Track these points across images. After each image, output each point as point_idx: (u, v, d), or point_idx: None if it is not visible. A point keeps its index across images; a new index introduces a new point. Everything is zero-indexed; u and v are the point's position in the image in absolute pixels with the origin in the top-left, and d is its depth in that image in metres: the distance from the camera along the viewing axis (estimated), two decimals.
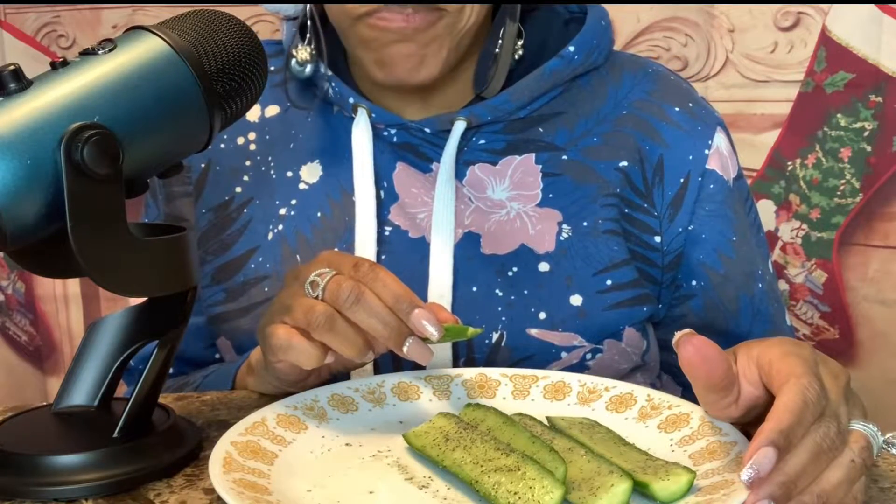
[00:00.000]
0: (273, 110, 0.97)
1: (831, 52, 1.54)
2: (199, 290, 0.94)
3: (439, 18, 0.85)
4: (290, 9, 0.95)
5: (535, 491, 0.57)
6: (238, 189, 0.95)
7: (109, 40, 0.66)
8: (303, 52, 0.93)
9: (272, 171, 0.94)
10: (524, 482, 0.58)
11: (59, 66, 0.64)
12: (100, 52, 0.65)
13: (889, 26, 1.51)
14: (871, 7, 1.51)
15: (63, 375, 0.73)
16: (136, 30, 0.67)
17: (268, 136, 0.96)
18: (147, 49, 0.66)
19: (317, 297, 0.69)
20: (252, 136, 0.96)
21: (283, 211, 0.92)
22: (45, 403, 0.75)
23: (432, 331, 0.68)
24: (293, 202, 0.93)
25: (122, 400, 0.72)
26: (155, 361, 0.69)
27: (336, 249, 0.90)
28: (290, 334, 0.69)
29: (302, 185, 0.93)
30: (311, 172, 0.93)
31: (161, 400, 0.72)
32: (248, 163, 0.96)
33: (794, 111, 1.58)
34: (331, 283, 0.68)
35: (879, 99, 1.53)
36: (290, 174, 0.94)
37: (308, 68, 0.93)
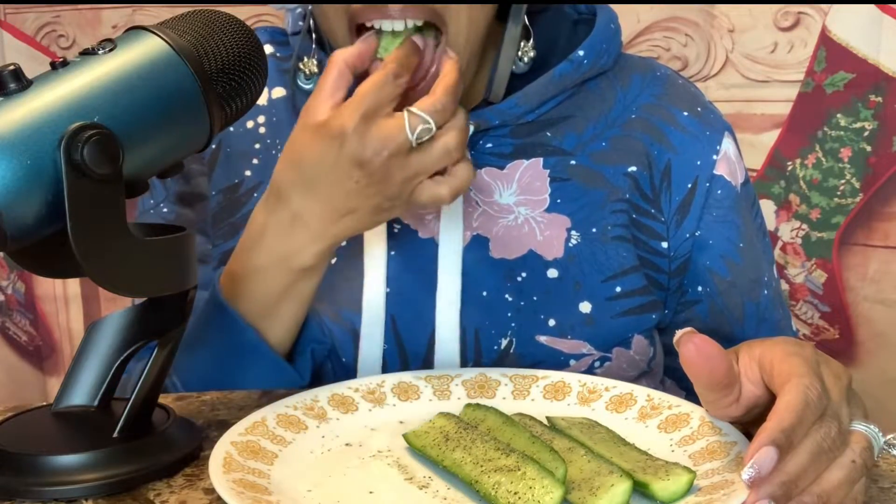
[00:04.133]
0: (279, 92, 0.98)
1: (831, 52, 1.54)
2: (210, 272, 0.94)
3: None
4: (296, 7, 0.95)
5: (535, 491, 0.57)
6: (248, 172, 0.95)
7: (109, 40, 0.66)
8: (311, 66, 0.92)
9: (279, 153, 0.94)
10: (524, 482, 0.58)
11: (59, 66, 0.64)
12: (100, 52, 0.65)
13: (889, 26, 1.51)
14: (871, 7, 1.51)
15: (63, 375, 0.73)
16: (135, 30, 0.67)
17: (275, 119, 0.96)
18: (147, 49, 0.66)
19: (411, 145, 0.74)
20: (261, 119, 0.97)
21: None
22: (45, 403, 0.75)
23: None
24: None
25: (122, 400, 0.72)
26: (155, 361, 0.69)
27: (342, 247, 0.88)
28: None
29: None
30: None
31: (161, 400, 0.72)
32: (257, 146, 0.96)
33: (794, 111, 1.58)
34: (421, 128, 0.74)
35: (879, 99, 1.53)
36: None
37: (313, 81, 0.92)
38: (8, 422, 0.71)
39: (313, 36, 0.93)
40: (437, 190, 0.76)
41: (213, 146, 0.96)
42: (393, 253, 0.88)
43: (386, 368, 0.86)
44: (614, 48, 0.94)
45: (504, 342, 0.86)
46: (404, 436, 0.68)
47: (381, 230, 0.88)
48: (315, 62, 0.92)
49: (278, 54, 0.99)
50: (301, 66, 0.93)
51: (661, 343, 0.95)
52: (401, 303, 0.87)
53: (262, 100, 0.97)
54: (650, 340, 0.91)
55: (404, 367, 0.86)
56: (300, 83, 0.93)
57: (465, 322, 0.86)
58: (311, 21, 0.93)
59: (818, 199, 1.58)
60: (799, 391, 0.57)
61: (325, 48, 0.93)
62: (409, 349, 0.86)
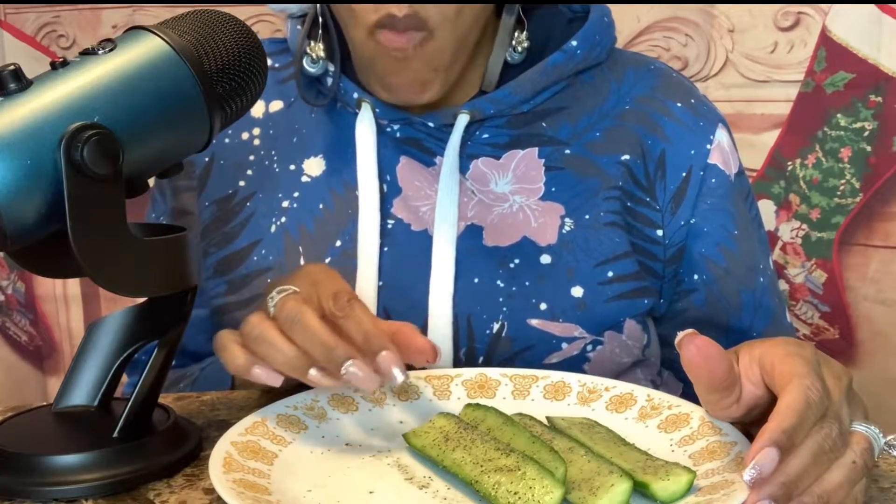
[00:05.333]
0: (277, 105, 0.98)
1: (831, 52, 1.54)
2: (202, 282, 0.95)
3: (425, 41, 0.84)
4: (295, 7, 0.95)
5: (535, 491, 0.57)
6: (241, 183, 0.95)
7: (109, 40, 0.66)
8: (318, 50, 0.93)
9: (275, 165, 0.95)
10: (524, 482, 0.58)
11: (59, 66, 0.64)
12: (100, 52, 0.65)
13: (889, 26, 1.51)
14: (871, 7, 1.51)
15: (63, 375, 0.73)
16: (135, 30, 0.67)
17: (271, 131, 0.97)
18: (147, 49, 0.66)
19: (270, 313, 0.68)
20: (256, 131, 0.97)
21: (285, 203, 0.93)
22: (45, 403, 0.75)
23: (399, 377, 0.65)
24: (296, 195, 0.93)
25: (122, 400, 0.72)
26: (155, 361, 0.69)
27: (336, 247, 0.90)
28: (227, 339, 0.69)
29: (304, 178, 0.94)
30: (314, 166, 0.94)
31: (161, 400, 0.72)
32: (251, 158, 0.96)
33: (794, 111, 1.58)
34: (279, 301, 0.67)
35: (879, 99, 1.53)
36: (292, 167, 0.94)
37: (319, 66, 0.93)
38: (8, 422, 0.71)
39: (320, 20, 0.93)
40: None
41: (207, 159, 0.97)
42: (386, 249, 0.89)
43: None
44: (607, 41, 0.95)
45: (496, 326, 0.87)
46: (404, 436, 0.68)
47: (374, 228, 0.89)
48: (321, 47, 0.93)
49: (276, 65, 1.00)
50: (308, 51, 0.93)
51: (657, 334, 0.96)
52: (394, 295, 0.88)
53: (259, 112, 0.97)
54: (643, 326, 0.92)
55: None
56: (306, 66, 0.93)
57: (457, 309, 0.87)
58: (318, 9, 0.93)
59: (818, 199, 1.58)
60: (800, 392, 0.57)
61: (330, 36, 0.93)
62: None
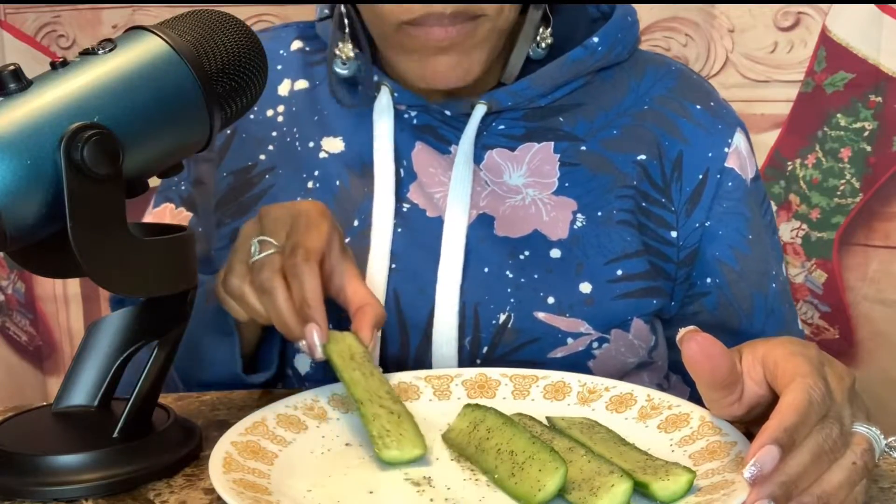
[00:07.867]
0: (302, 84, 0.99)
1: (831, 52, 1.54)
2: (213, 252, 0.96)
3: (478, 26, 0.85)
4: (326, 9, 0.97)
5: (405, 439, 0.66)
6: (262, 157, 0.96)
7: (109, 40, 0.66)
8: (347, 51, 0.93)
9: (297, 143, 0.96)
10: (398, 426, 0.67)
11: (59, 66, 0.64)
12: (100, 52, 0.65)
13: (889, 26, 1.51)
14: (871, 7, 1.51)
15: (63, 375, 0.73)
16: (136, 30, 0.67)
17: (294, 108, 0.98)
18: (147, 49, 0.66)
19: (248, 261, 0.75)
20: (281, 108, 0.98)
21: (309, 184, 0.93)
22: (45, 403, 0.75)
23: (316, 354, 0.72)
24: (316, 173, 0.94)
25: (122, 400, 0.72)
26: (155, 361, 0.69)
27: (354, 227, 0.90)
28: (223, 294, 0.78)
29: (322, 154, 0.94)
30: (332, 144, 0.95)
31: (161, 400, 0.72)
32: (274, 133, 0.97)
33: (794, 111, 1.58)
34: (258, 262, 0.74)
35: (879, 99, 1.53)
36: (311, 144, 0.95)
37: (350, 66, 0.94)
38: (8, 422, 0.71)
39: (345, 21, 0.93)
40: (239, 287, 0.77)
41: (228, 132, 0.97)
42: (400, 230, 0.89)
43: (386, 340, 0.87)
44: (630, 40, 0.95)
45: (502, 317, 0.87)
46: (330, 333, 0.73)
47: (389, 208, 0.89)
48: (350, 47, 0.93)
49: (307, 48, 1.01)
50: (337, 52, 0.94)
51: (665, 337, 0.96)
52: (404, 279, 0.88)
53: (285, 91, 0.98)
54: (650, 327, 0.92)
55: (404, 339, 0.87)
56: (336, 69, 0.94)
57: (465, 297, 0.87)
58: (343, 9, 0.93)
59: (818, 199, 1.59)
60: (803, 391, 0.57)
61: (357, 38, 0.94)
62: (409, 322, 0.87)
